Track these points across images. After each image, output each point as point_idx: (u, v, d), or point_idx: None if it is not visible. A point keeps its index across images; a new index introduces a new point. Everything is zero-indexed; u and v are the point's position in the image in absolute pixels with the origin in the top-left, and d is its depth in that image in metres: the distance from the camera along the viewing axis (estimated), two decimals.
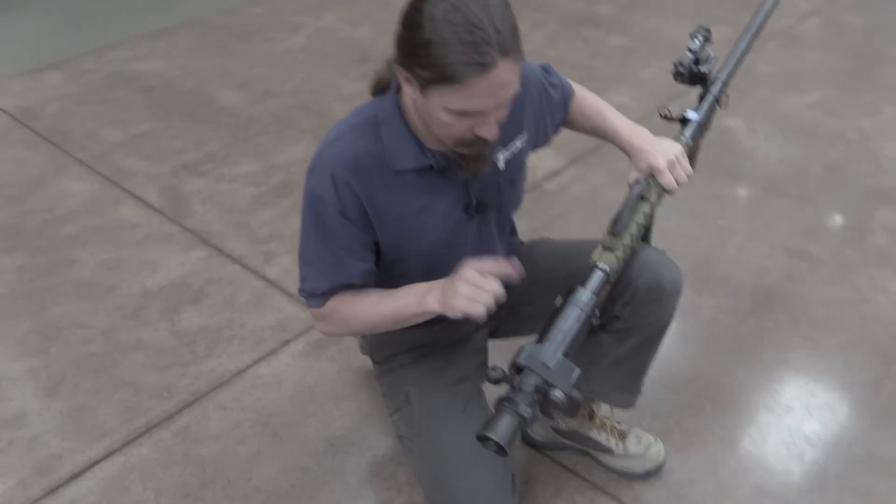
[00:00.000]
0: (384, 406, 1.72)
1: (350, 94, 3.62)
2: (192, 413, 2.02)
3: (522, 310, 1.71)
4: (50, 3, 5.01)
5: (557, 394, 1.21)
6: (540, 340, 1.27)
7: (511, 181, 1.53)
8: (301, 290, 1.49)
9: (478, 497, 1.47)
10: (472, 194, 1.45)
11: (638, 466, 1.80)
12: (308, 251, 1.45)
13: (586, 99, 1.65)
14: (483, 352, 1.75)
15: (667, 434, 1.90)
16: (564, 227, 2.67)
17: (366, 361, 2.09)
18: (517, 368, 1.24)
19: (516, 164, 1.52)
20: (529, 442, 1.89)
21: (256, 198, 2.88)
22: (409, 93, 1.26)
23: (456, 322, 1.68)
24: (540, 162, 3.02)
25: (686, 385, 2.05)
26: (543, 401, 1.23)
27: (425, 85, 1.19)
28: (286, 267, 2.51)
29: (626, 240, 1.39)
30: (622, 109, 1.65)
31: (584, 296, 1.31)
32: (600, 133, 1.65)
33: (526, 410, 1.20)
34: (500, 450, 1.20)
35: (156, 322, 2.31)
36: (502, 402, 1.22)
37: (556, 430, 1.83)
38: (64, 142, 3.29)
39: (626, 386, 1.69)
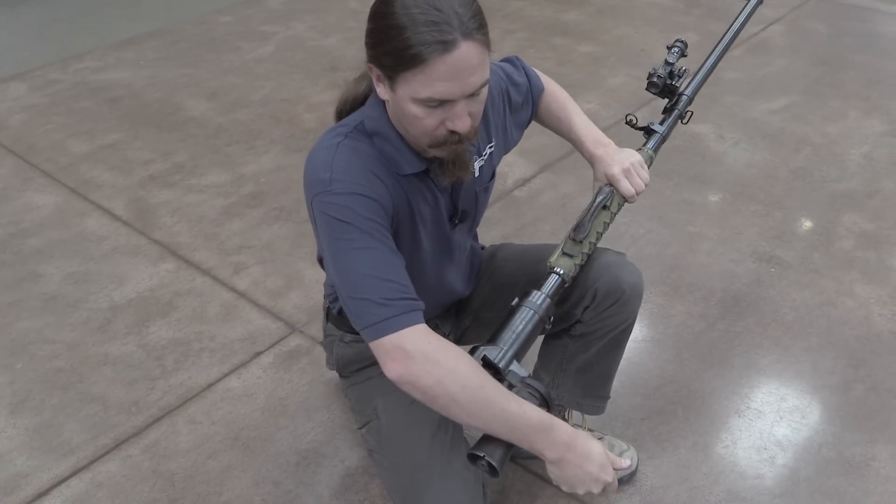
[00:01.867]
0: (353, 420, 1.71)
1: (320, 102, 3.60)
2: (161, 428, 1.99)
3: (485, 316, 1.71)
4: (13, 12, 4.94)
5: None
6: (492, 341, 1.28)
7: (485, 189, 1.54)
8: (369, 326, 1.23)
9: None
10: (457, 203, 1.45)
11: None
12: (359, 272, 1.25)
13: (556, 98, 1.65)
14: None
15: (639, 440, 1.90)
16: (535, 235, 2.68)
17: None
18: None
19: (489, 171, 1.52)
20: None
21: (225, 209, 2.86)
22: (382, 93, 1.25)
23: None
24: (510, 169, 3.03)
25: (657, 391, 2.06)
26: None
27: (392, 75, 1.19)
28: (256, 278, 2.49)
29: (586, 248, 1.43)
30: (591, 116, 1.66)
31: (539, 298, 1.35)
32: (565, 137, 1.65)
33: None
34: (493, 470, 1.19)
35: (123, 336, 2.28)
36: None
37: None
38: (28, 153, 3.23)
39: (595, 391, 1.70)
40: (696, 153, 3.17)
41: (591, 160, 1.57)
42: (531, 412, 1.23)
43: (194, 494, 1.81)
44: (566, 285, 1.40)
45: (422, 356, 1.20)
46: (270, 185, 2.99)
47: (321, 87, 3.78)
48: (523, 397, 1.22)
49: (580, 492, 1.26)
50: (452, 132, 1.23)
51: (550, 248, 1.46)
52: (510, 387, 1.25)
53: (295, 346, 2.22)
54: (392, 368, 1.21)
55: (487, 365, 1.26)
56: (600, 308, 1.54)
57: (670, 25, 4.28)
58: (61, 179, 3.05)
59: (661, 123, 1.62)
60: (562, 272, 1.38)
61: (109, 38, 4.40)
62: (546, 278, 1.39)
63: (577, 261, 1.41)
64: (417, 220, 1.39)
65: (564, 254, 1.41)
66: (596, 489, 1.26)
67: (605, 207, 1.46)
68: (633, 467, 1.81)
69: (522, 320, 1.32)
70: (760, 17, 4.48)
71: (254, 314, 2.35)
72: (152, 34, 4.46)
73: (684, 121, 1.65)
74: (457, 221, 1.48)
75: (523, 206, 2.84)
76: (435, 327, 1.70)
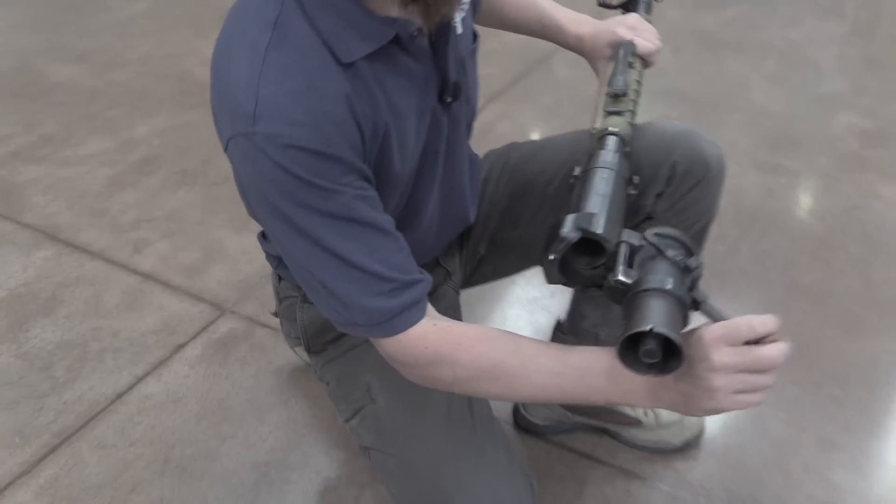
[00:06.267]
0: (336, 411, 1.22)
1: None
2: (60, 459, 1.46)
3: (506, 237, 1.30)
4: None
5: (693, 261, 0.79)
6: (574, 210, 0.84)
7: (472, 52, 1.09)
8: (357, 325, 0.92)
9: None
10: (445, 72, 0.98)
11: (675, 437, 1.39)
12: (319, 264, 0.88)
13: None
14: (457, 309, 1.30)
15: None
16: None
17: (291, 357, 1.61)
18: (584, 243, 0.80)
19: (469, 28, 1.07)
20: (525, 427, 1.45)
21: (113, 179, 2.31)
22: None
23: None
24: None
25: None
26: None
27: None
28: (163, 255, 1.97)
29: (630, 105, 1.04)
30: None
31: (608, 155, 0.93)
32: (533, 29, 1.30)
33: (677, 286, 0.76)
34: (672, 351, 0.72)
35: None
36: (637, 292, 0.76)
37: (566, 407, 1.40)
38: None
39: None
40: (652, 71, 2.80)
41: (579, 43, 1.24)
42: (585, 356, 0.86)
43: None
44: (627, 149, 0.98)
45: (424, 363, 0.93)
46: (166, 147, 2.45)
47: (212, 39, 3.21)
48: (667, 254, 0.77)
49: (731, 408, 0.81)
50: None
51: (583, 131, 1.05)
52: (632, 252, 0.80)
53: (228, 331, 1.72)
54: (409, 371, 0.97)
55: (585, 238, 0.80)
56: (679, 192, 1.15)
57: None
58: None
59: None
60: (617, 129, 0.97)
61: None
62: (600, 144, 0.96)
63: (628, 118, 1.01)
64: (383, 121, 0.92)
65: (609, 113, 1.01)
66: (757, 398, 0.81)
67: (630, 65, 1.10)
68: (702, 425, 1.41)
69: (602, 180, 0.88)
70: None
71: (166, 298, 1.83)
72: (2, 1, 3.79)
73: None
74: (449, 99, 1.02)
75: (479, 142, 2.37)
76: (435, 265, 1.26)
